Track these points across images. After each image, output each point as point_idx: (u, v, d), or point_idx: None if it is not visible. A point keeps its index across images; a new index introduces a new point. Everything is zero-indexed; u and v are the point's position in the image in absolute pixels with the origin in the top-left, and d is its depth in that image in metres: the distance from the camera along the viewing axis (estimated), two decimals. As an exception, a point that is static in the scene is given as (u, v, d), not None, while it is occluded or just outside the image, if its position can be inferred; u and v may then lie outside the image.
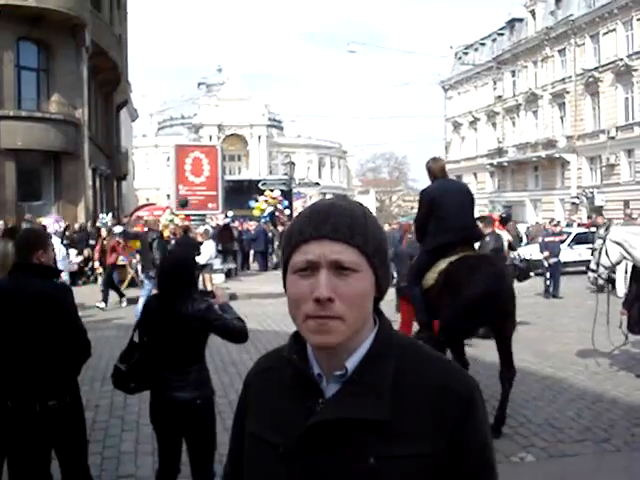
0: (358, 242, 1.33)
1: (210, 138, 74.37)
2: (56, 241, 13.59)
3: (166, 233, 18.26)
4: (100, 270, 19.82)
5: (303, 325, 1.33)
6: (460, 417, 1.33)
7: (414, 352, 1.42)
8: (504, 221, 12.91)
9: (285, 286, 1.39)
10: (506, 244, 11.77)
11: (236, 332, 4.19)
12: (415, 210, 7.69)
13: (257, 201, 30.91)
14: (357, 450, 1.30)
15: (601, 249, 8.35)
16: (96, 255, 20.78)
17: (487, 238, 10.79)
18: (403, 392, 1.33)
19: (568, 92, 47.79)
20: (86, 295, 16.95)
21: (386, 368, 1.36)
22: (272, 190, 31.41)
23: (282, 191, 32.23)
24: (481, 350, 9.92)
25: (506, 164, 54.54)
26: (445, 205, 6.81)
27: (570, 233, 23.41)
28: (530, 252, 19.19)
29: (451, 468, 1.32)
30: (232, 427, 1.62)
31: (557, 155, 47.66)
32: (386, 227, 25.91)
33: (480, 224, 11.07)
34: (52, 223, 15.93)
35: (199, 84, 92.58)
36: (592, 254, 8.73)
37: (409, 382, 1.35)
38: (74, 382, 4.00)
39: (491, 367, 9.04)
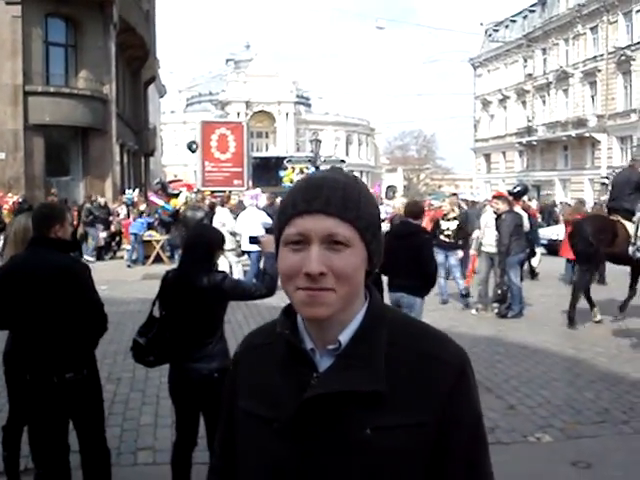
0: (351, 217, 1.32)
1: (238, 115, 74.34)
2: (254, 214, 13.96)
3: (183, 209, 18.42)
4: (128, 246, 20.09)
5: (294, 297, 1.34)
6: (452, 387, 1.34)
7: (406, 324, 1.44)
8: (518, 195, 12.80)
9: (277, 259, 1.39)
10: (525, 221, 11.68)
11: (258, 293, 4.21)
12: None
13: (286, 169, 30.87)
14: (353, 422, 1.32)
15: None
16: (124, 230, 21.04)
17: (503, 216, 10.78)
18: (396, 363, 1.34)
19: (599, 70, 47.13)
20: (112, 270, 17.15)
21: (379, 340, 1.36)
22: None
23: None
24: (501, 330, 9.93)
25: (535, 143, 54.01)
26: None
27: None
28: (557, 232, 19.04)
29: (445, 440, 1.34)
30: (221, 408, 1.61)
31: (587, 134, 47.13)
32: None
33: (498, 202, 11.11)
34: (249, 198, 16.27)
35: (227, 60, 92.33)
36: None
37: (402, 353, 1.36)
38: (91, 355, 4.05)
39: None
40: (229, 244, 13.84)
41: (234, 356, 1.60)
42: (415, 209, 7.77)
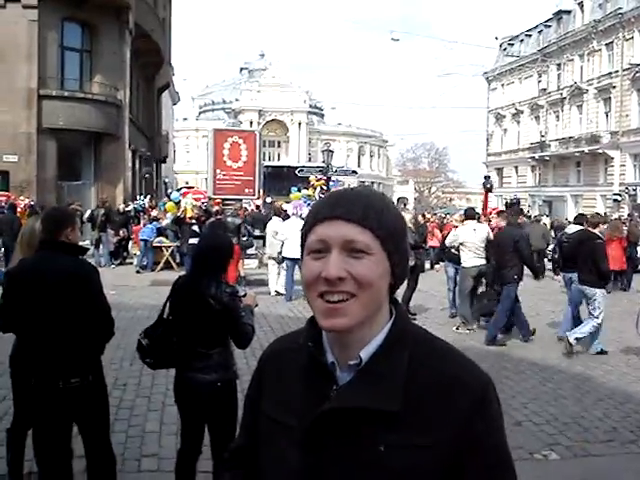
0: (371, 224, 1.32)
1: (250, 123, 74.56)
2: (297, 223, 13.77)
3: (189, 214, 18.42)
4: (137, 251, 20.11)
5: (315, 306, 1.34)
6: (472, 411, 1.31)
7: (429, 344, 1.41)
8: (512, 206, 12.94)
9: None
10: None
11: (242, 333, 4.13)
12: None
13: (300, 191, 30.83)
14: (367, 438, 1.31)
15: None
16: (134, 236, 21.06)
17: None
18: (416, 383, 1.33)
19: (614, 87, 46.95)
20: (121, 275, 17.17)
21: (400, 359, 1.35)
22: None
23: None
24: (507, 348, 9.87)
25: (548, 158, 53.82)
26: None
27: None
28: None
29: (462, 464, 1.31)
30: (245, 404, 1.63)
31: (600, 151, 46.88)
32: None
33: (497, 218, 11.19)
34: (292, 208, 16.68)
35: (241, 69, 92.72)
36: None
37: (422, 374, 1.34)
38: (97, 361, 4.03)
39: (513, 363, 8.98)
40: (275, 251, 14.65)
41: (260, 360, 1.61)
42: (595, 220, 10.11)
